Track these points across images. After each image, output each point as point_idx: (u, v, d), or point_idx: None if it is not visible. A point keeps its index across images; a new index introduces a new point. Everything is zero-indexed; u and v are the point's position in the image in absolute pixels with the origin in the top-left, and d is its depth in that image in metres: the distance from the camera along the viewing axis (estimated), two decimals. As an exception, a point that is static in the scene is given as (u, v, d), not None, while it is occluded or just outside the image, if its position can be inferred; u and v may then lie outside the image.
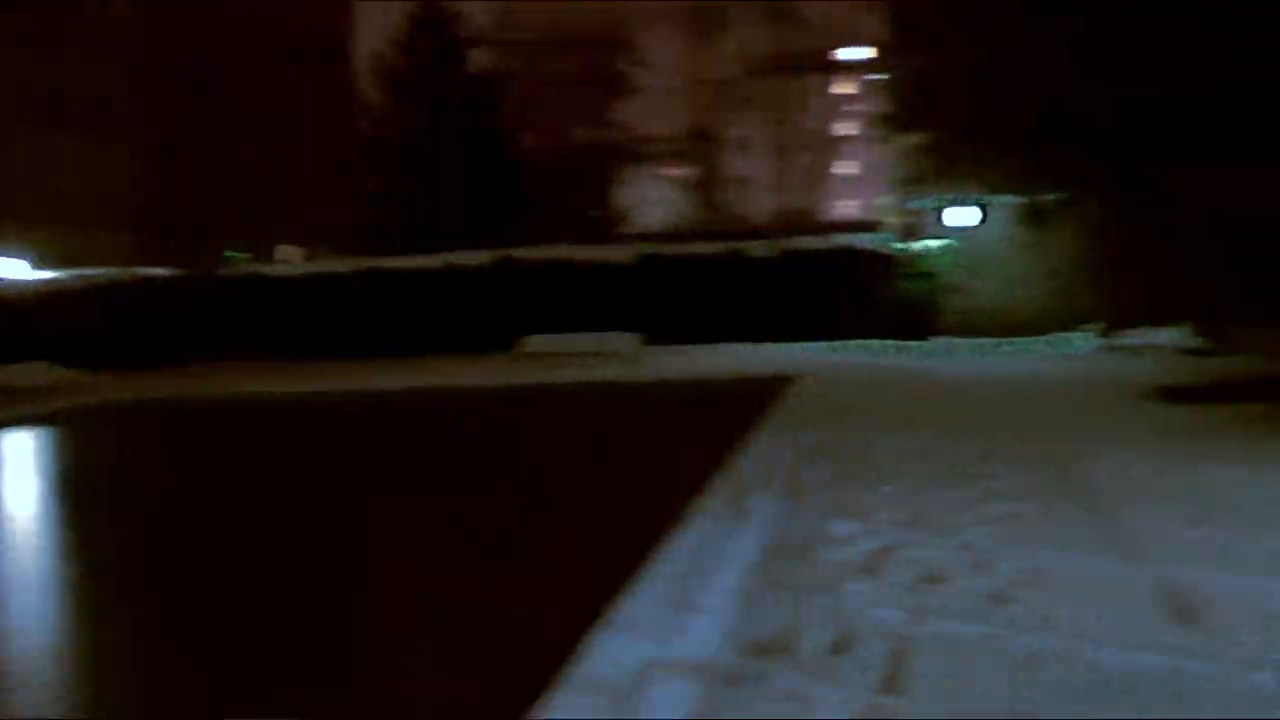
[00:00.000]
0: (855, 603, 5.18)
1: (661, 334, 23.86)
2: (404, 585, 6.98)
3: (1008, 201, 24.43)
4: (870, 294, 24.50)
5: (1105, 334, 20.58)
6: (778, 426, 11.47)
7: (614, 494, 9.50)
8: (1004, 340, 24.23)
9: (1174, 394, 13.18)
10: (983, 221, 24.35)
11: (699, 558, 6.08)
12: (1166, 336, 20.79)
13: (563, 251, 25.87)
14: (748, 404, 13.33)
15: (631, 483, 9.95)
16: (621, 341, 21.65)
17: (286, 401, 18.54)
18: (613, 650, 4.66)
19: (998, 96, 28.46)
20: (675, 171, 65.54)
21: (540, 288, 25.33)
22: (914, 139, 39.40)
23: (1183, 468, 8.38)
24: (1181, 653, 4.41)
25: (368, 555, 7.91)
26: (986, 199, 25.07)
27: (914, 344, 23.09)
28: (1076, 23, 26.33)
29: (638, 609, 5.20)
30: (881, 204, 57.30)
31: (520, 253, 25.91)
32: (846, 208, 69.42)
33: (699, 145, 47.92)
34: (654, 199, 55.91)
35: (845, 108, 69.62)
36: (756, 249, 25.18)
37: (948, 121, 33.73)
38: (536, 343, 22.08)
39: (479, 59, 40.13)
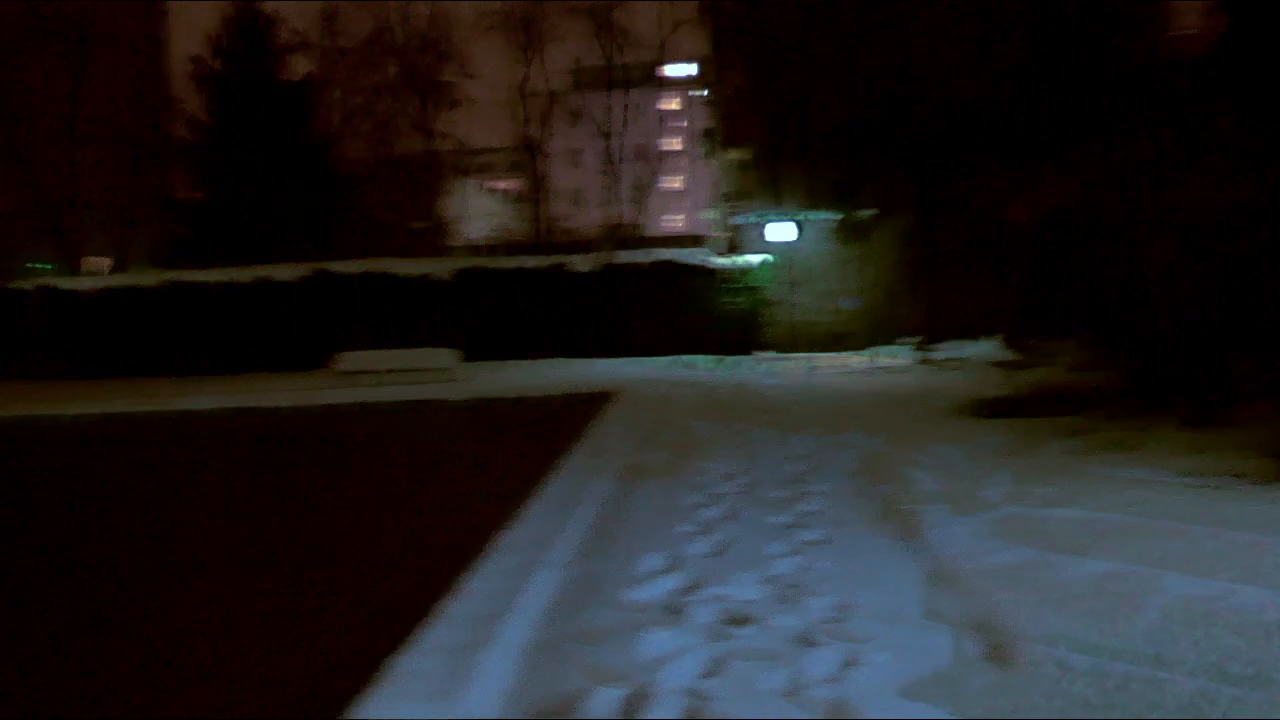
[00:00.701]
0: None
1: (483, 349, 23.28)
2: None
3: (825, 217, 24.68)
4: (694, 308, 24.44)
5: (921, 347, 20.87)
6: (584, 463, 11.02)
7: (408, 526, 8.91)
8: (826, 353, 24.47)
9: (990, 408, 13.27)
10: (801, 236, 24.54)
11: (490, 598, 5.60)
12: (978, 349, 21.24)
13: (381, 264, 25.03)
14: (561, 423, 12.89)
15: (428, 512, 9.38)
16: (441, 358, 20.94)
17: (61, 425, 17.23)
18: (385, 710, 4.15)
19: (812, 114, 28.95)
20: (503, 184, 64.81)
21: (357, 302, 24.45)
22: (735, 155, 39.85)
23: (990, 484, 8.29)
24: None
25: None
26: (805, 214, 25.30)
27: (736, 359, 23.06)
28: (884, 41, 26.98)
29: (416, 663, 4.68)
30: (706, 219, 57.88)
31: (336, 266, 24.95)
32: (673, 222, 69.98)
33: (527, 158, 47.20)
34: (481, 211, 55.08)
35: (672, 123, 70.23)
36: (579, 263, 24.81)
37: (766, 138, 34.20)
38: (353, 359, 21.17)
39: (298, 65, 38.72)
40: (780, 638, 4.93)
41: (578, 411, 14.35)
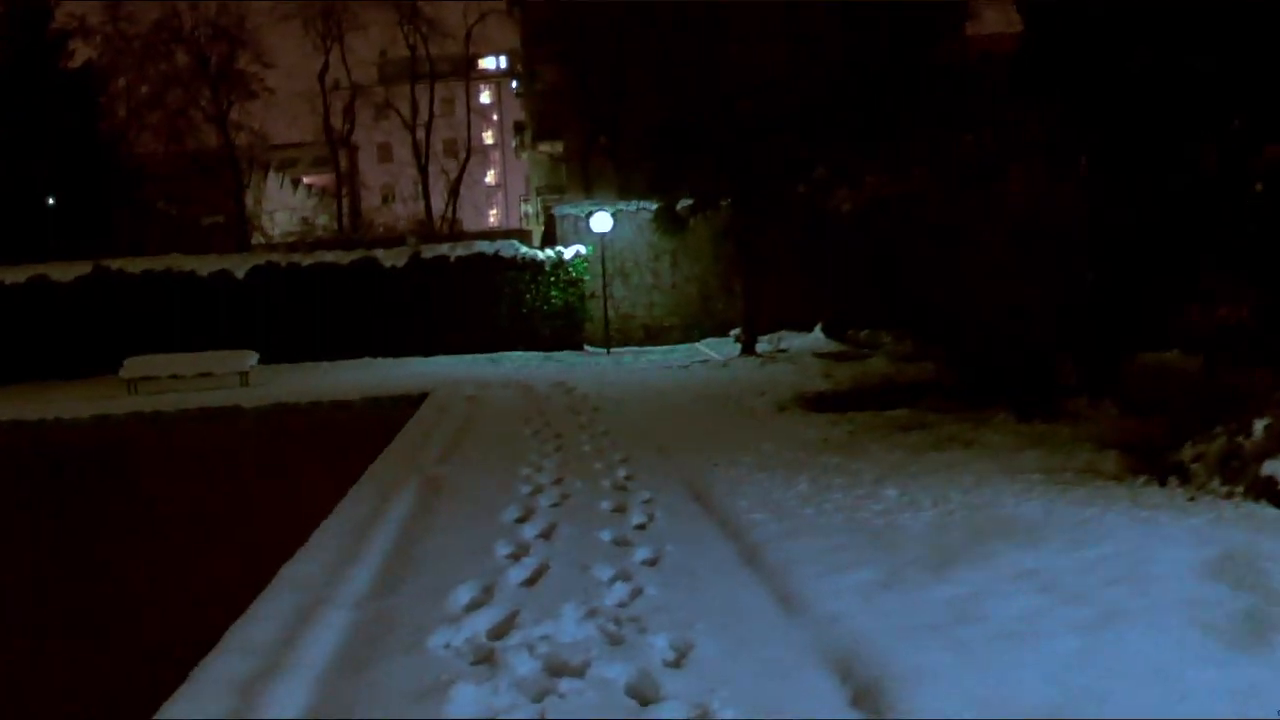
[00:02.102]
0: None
1: (285, 351, 21.79)
2: None
3: (642, 208, 24.11)
4: (510, 303, 23.49)
5: (744, 339, 20.46)
6: (385, 477, 10.00)
7: (177, 560, 7.78)
8: (648, 347, 23.89)
9: (815, 403, 12.81)
10: (618, 229, 23.91)
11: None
12: (800, 341, 20.97)
13: (170, 262, 23.20)
14: (364, 431, 11.84)
15: (202, 541, 8.26)
16: (237, 361, 19.41)
17: None
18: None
19: (627, 108, 28.41)
20: (309, 179, 62.33)
21: (145, 303, 22.56)
22: (548, 148, 39.10)
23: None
24: None
25: None
26: (624, 206, 24.67)
27: (556, 355, 22.24)
28: (700, 39, 26.64)
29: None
30: (522, 213, 56.94)
31: (120, 264, 23.01)
32: (490, 216, 68.74)
33: (335, 151, 45.27)
34: (286, 207, 52.76)
35: (488, 116, 68.93)
36: (387, 257, 23.54)
37: (580, 131, 33.53)
38: (139, 365, 19.44)
39: (79, 52, 35.96)
40: (612, 692, 4.12)
41: (382, 417, 13.31)
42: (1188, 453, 7.61)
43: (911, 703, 3.91)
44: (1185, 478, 7.40)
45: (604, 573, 5.78)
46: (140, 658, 5.29)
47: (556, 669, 4.35)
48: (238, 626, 4.93)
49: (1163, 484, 7.43)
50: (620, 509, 7.44)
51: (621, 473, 8.83)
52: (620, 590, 5.44)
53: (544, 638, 4.70)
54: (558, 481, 8.50)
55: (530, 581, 5.68)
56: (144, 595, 6.72)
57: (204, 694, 4.15)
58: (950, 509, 6.90)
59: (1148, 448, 8.49)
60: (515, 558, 6.18)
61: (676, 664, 4.40)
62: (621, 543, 6.49)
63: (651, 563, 6.03)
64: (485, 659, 4.52)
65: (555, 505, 7.63)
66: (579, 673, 4.29)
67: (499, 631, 4.86)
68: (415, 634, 4.85)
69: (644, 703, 4.03)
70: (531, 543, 6.51)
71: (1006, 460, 8.52)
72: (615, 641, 4.65)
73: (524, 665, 4.38)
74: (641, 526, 6.91)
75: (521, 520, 7.17)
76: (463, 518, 7.27)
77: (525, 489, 8.24)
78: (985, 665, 4.22)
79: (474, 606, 5.26)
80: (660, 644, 4.59)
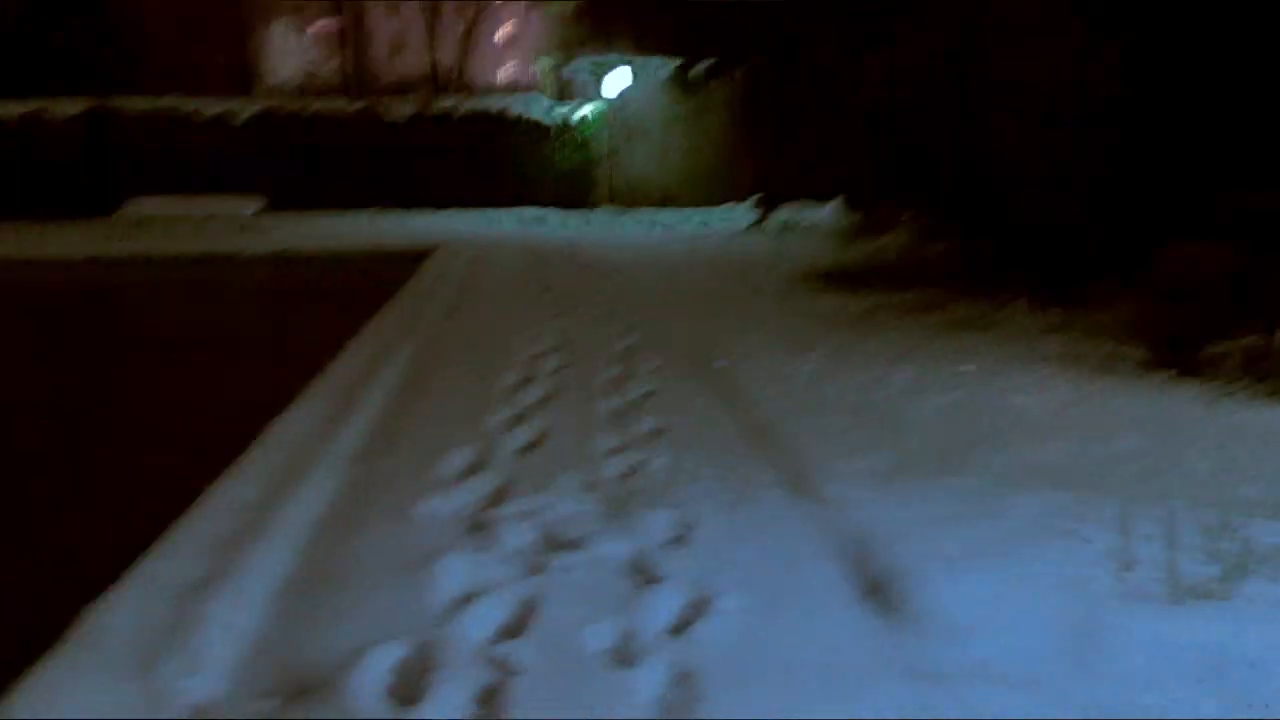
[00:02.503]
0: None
1: (289, 198, 21.38)
2: None
3: (660, 66, 23.38)
4: (522, 160, 23.01)
5: (759, 208, 20.01)
6: (385, 333, 9.74)
7: (161, 410, 7.56)
8: (659, 211, 23.43)
9: (829, 279, 12.48)
10: (635, 87, 23.22)
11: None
12: (816, 214, 20.50)
13: (173, 103, 22.61)
14: (367, 283, 11.55)
15: (190, 389, 8.03)
16: (242, 205, 19.03)
17: None
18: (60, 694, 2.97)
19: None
20: (318, 24, 60.76)
21: (148, 144, 22.08)
22: (568, 2, 37.84)
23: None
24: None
25: None
26: (641, 64, 23.93)
27: (565, 214, 21.82)
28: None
29: (113, 619, 3.48)
30: (537, 69, 55.62)
31: (120, 102, 22.42)
32: (504, 71, 67.20)
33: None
34: (292, 52, 51.49)
35: (503, -33, 66.87)
36: (394, 109, 22.93)
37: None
38: (144, 206, 19.09)
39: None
40: (610, 569, 3.91)
41: (387, 270, 12.99)
42: (1219, 348, 7.32)
43: (924, 597, 3.68)
44: (1215, 372, 7.13)
45: (605, 443, 5.55)
46: (116, 513, 5.08)
47: (553, 543, 4.13)
48: (220, 484, 4.70)
49: (1191, 378, 7.15)
50: (624, 377, 7.19)
51: (627, 340, 8.56)
52: (620, 463, 5.21)
53: (540, 509, 4.48)
54: (562, 346, 8.25)
55: (528, 449, 5.46)
56: (123, 451, 6.50)
57: (181, 553, 3.94)
58: (964, 396, 6.62)
59: (1176, 339, 8.20)
60: (513, 423, 5.95)
61: (679, 541, 4.18)
62: (624, 413, 6.25)
63: (656, 434, 5.79)
64: (478, 528, 4.30)
65: (557, 370, 7.38)
66: (577, 545, 4.08)
67: (492, 502, 4.64)
68: (403, 499, 4.63)
69: (644, 581, 3.81)
70: (531, 409, 6.27)
71: (1025, 347, 8.24)
72: (614, 517, 4.43)
73: (518, 537, 4.16)
74: (647, 396, 6.67)
75: (521, 385, 6.92)
76: (460, 380, 7.03)
77: (527, 353, 7.98)
78: (1002, 562, 3.99)
79: (468, 473, 5.04)
80: (662, 520, 4.37)
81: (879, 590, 3.80)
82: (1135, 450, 5.42)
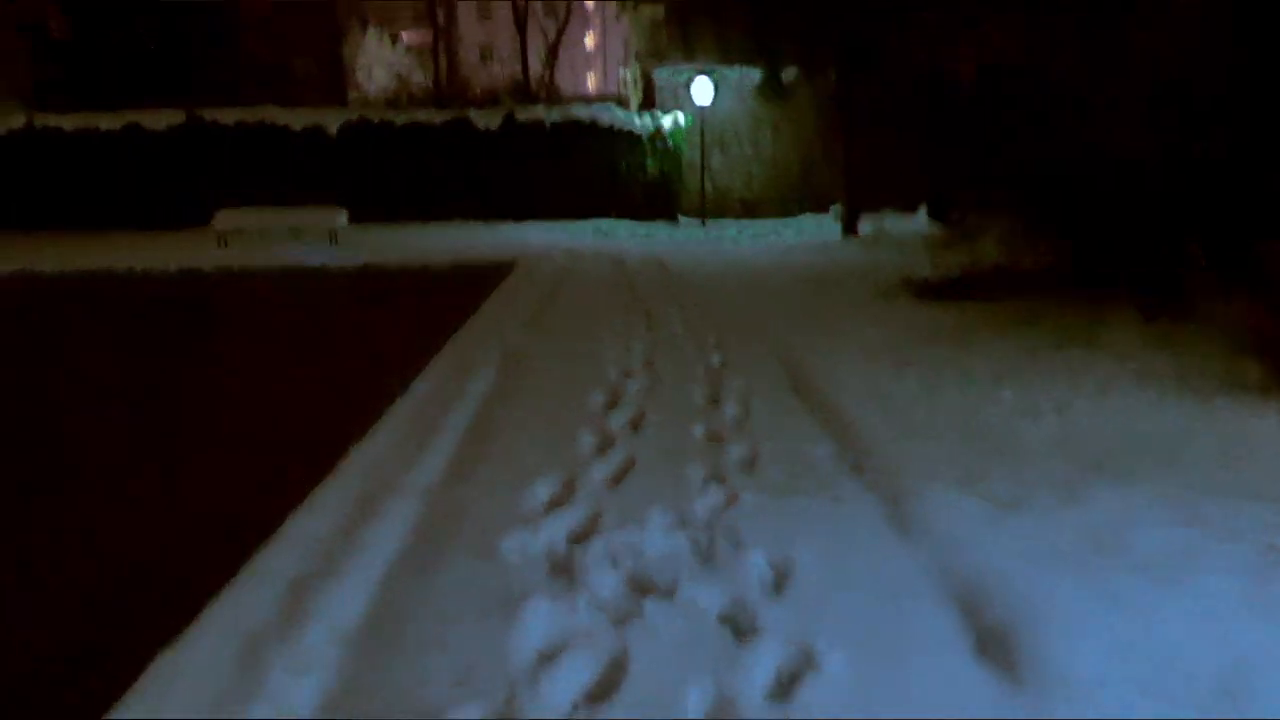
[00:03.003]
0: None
1: (375, 211, 21.48)
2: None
3: (744, 74, 23.06)
4: (606, 171, 22.84)
5: (847, 218, 19.59)
6: (468, 350, 9.59)
7: (240, 433, 7.44)
8: (745, 221, 23.13)
9: (921, 290, 12.08)
10: (718, 96, 22.94)
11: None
12: (904, 223, 20.01)
13: (262, 113, 22.85)
14: (451, 297, 11.42)
15: (272, 409, 7.90)
16: (328, 218, 19.12)
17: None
18: None
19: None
20: (408, 35, 61.40)
21: (237, 155, 22.33)
22: (649, 11, 37.74)
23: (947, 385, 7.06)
24: None
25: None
26: (726, 72, 23.64)
27: (650, 226, 21.62)
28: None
29: (192, 660, 3.31)
30: (620, 78, 55.60)
31: (213, 114, 22.71)
32: (589, 81, 67.44)
33: (433, 6, 44.33)
34: (382, 63, 52.13)
35: (587, -24, 67.11)
36: (482, 119, 22.92)
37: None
38: (231, 218, 19.27)
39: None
40: (704, 620, 3.65)
41: (469, 284, 12.89)
42: (1348, 368, 6.84)
43: (1046, 650, 3.37)
44: (1344, 394, 6.66)
45: (696, 473, 5.29)
46: (192, 537, 4.93)
47: (643, 588, 3.88)
48: (298, 515, 4.54)
49: (1317, 399, 6.69)
50: (714, 399, 6.93)
51: (716, 358, 8.30)
52: (712, 496, 4.94)
53: (629, 549, 4.23)
54: (648, 364, 8.01)
55: (615, 480, 5.21)
56: (201, 471, 6.38)
57: (255, 592, 3.77)
58: (1076, 418, 6.25)
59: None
60: (600, 450, 5.71)
61: (776, 589, 3.90)
62: (714, 438, 5.98)
63: (748, 463, 5.52)
64: (563, 570, 4.07)
65: (643, 392, 7.13)
66: (668, 592, 3.83)
67: (578, 538, 4.40)
68: (486, 534, 4.42)
69: (739, 634, 3.55)
70: (617, 433, 6.04)
71: (1133, 363, 7.81)
72: (707, 558, 4.17)
73: (606, 581, 3.92)
74: (738, 419, 6.40)
75: (608, 406, 6.69)
76: (544, 401, 6.81)
77: (613, 371, 7.75)
78: (1129, 609, 3.65)
79: (553, 505, 4.82)
80: (758, 563, 4.10)
81: (996, 642, 3.50)
82: (1266, 480, 5.02)
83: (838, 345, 8.57)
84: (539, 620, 3.59)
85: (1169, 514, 4.61)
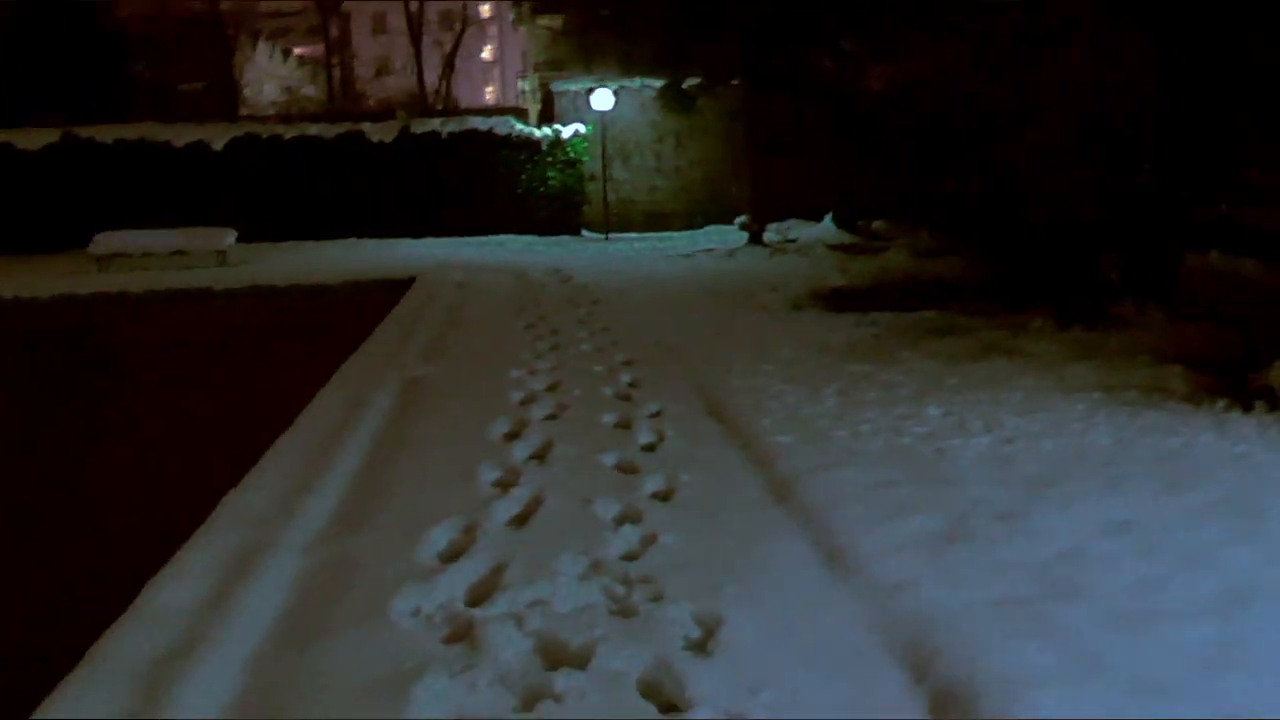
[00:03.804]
0: None
1: (265, 229, 20.65)
2: None
3: (646, 85, 22.74)
4: (506, 184, 22.32)
5: (751, 228, 19.33)
6: (359, 378, 9.02)
7: (99, 486, 6.82)
8: (649, 234, 22.78)
9: (833, 300, 11.80)
10: (620, 107, 22.58)
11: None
12: (811, 232, 19.85)
13: (145, 131, 21.88)
14: (342, 319, 10.82)
15: (140, 452, 7.29)
16: (214, 239, 18.29)
17: None
18: None
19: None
20: (303, 49, 60.06)
21: (118, 174, 21.33)
22: (547, 21, 37.31)
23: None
24: None
25: None
26: (627, 83, 23.29)
27: (552, 240, 21.14)
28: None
29: None
30: (520, 90, 54.99)
31: (91, 132, 21.68)
32: (487, 94, 66.70)
33: (325, 18, 43.34)
34: (276, 77, 50.90)
35: (483, -12, 66.41)
36: (375, 132, 22.22)
37: (583, 4, 31.72)
38: (110, 241, 18.32)
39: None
40: (623, 690, 3.20)
41: (365, 303, 12.31)
42: (1277, 374, 6.63)
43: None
44: (1275, 402, 6.44)
45: (608, 510, 4.84)
46: (33, 623, 4.35)
47: (553, 656, 3.41)
48: (155, 584, 3.98)
49: (1247, 409, 6.46)
50: (625, 424, 6.48)
51: (625, 378, 7.86)
52: (626, 537, 4.49)
53: (536, 606, 3.76)
54: (553, 387, 7.54)
55: (521, 521, 4.73)
56: (58, 529, 5.75)
57: (97, 684, 3.21)
58: (1007, 434, 5.93)
59: (1217, 363, 7.55)
60: (502, 487, 5.23)
61: (703, 648, 3.46)
62: (628, 469, 5.53)
63: (664, 497, 5.09)
64: (462, 636, 3.58)
65: (551, 418, 6.66)
66: (582, 659, 3.36)
67: (480, 595, 3.92)
68: (377, 595, 3.91)
69: (665, 709, 3.10)
70: (522, 467, 5.55)
71: (1057, 375, 7.55)
72: (625, 613, 3.71)
73: (510, 649, 3.43)
74: (650, 448, 5.96)
75: (511, 437, 6.21)
76: (443, 433, 6.30)
77: (517, 395, 7.27)
78: (1102, 664, 3.27)
79: (452, 554, 4.33)
80: (682, 618, 3.65)
81: (950, 706, 3.10)
82: (1214, 502, 4.73)
83: (751, 362, 8.18)
84: (433, 702, 3.10)
85: (1121, 542, 4.28)
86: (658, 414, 6.71)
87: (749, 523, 4.67)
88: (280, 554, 4.29)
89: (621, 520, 4.71)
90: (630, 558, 4.29)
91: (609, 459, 5.67)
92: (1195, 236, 11.58)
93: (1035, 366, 7.89)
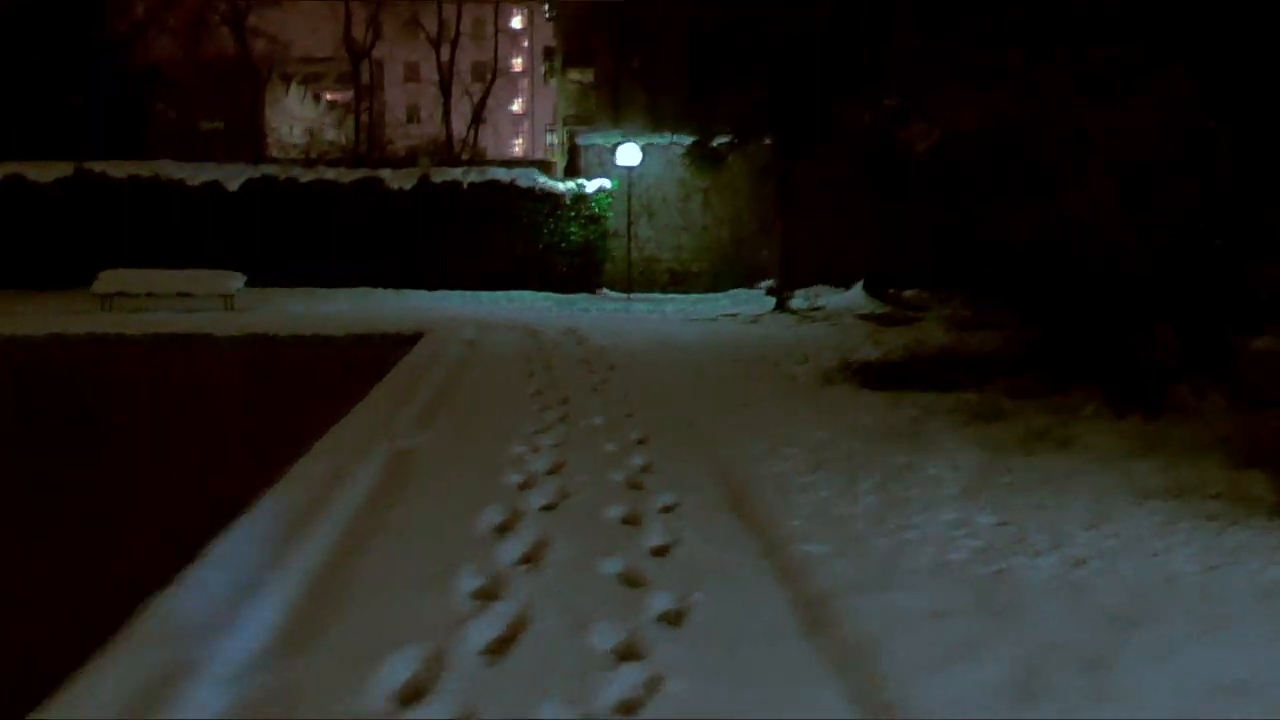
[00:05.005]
0: None
1: (276, 274, 20.02)
2: None
3: (673, 142, 22.13)
4: (526, 238, 21.67)
5: (776, 293, 18.57)
6: (341, 449, 8.25)
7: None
8: (672, 294, 22.08)
9: (865, 375, 10.99)
10: (646, 163, 21.96)
11: None
12: (840, 298, 19.08)
13: (158, 168, 21.35)
14: (340, 377, 10.09)
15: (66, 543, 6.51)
16: (221, 282, 17.67)
17: None
18: None
19: (663, 31, 26.05)
20: (335, 95, 60.11)
21: (131, 211, 20.79)
22: (577, 75, 36.93)
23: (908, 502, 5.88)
24: None
25: None
26: (655, 139, 22.69)
27: (573, 297, 20.44)
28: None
29: None
30: (549, 143, 54.75)
31: (104, 167, 21.17)
32: (516, 146, 66.64)
33: (356, 64, 43.15)
34: (304, 120, 50.81)
35: (519, 43, 66.60)
36: (394, 179, 21.63)
37: (611, 56, 31.31)
38: (116, 279, 17.73)
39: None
40: None
41: (367, 359, 11.58)
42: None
43: None
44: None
45: (606, 639, 4.02)
46: None
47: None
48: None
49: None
50: (633, 519, 5.67)
51: (638, 459, 7.06)
52: (629, 678, 3.68)
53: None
54: (557, 468, 6.74)
55: (499, 650, 3.92)
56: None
57: None
58: (1076, 553, 5.09)
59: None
60: (484, 599, 4.42)
61: None
62: (634, 580, 4.72)
63: (674, 620, 4.27)
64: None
65: (549, 508, 5.85)
66: None
67: None
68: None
69: None
70: (510, 572, 4.74)
71: (1120, 473, 6.73)
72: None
73: None
74: (662, 551, 5.15)
75: (502, 530, 5.40)
76: (425, 522, 5.49)
77: (515, 478, 6.47)
78: None
79: (409, 695, 3.52)
80: None
81: None
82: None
83: (778, 446, 7.38)
84: None
85: (1239, 709, 3.44)
86: (671, 508, 5.90)
87: (776, 663, 3.85)
88: (200, 685, 3.48)
89: (622, 655, 3.88)
90: (628, 709, 3.47)
91: (612, 567, 4.85)
92: (1257, 308, 10.72)
93: (1092, 462, 7.07)
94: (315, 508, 5.57)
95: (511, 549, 5.08)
